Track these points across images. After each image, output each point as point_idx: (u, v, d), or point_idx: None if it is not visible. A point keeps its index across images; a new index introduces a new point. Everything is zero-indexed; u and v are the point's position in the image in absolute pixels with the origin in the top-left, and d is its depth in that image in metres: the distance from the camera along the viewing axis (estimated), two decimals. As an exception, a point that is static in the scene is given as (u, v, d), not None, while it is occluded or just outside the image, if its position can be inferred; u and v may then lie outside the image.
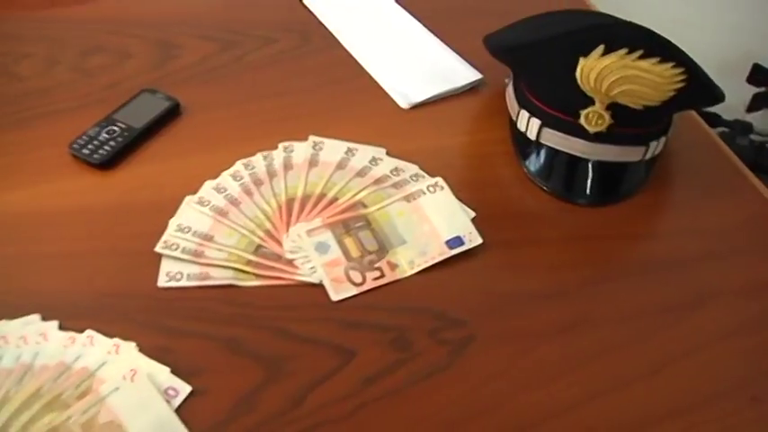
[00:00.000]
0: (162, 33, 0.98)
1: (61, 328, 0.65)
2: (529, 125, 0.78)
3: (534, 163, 0.78)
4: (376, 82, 0.90)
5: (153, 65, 0.92)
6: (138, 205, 0.76)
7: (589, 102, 0.71)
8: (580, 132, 0.74)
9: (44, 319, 0.66)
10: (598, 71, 0.69)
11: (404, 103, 0.87)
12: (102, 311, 0.65)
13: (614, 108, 0.71)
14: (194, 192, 0.75)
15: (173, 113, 0.84)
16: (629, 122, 0.72)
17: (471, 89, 0.89)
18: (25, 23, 0.98)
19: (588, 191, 0.76)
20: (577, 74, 0.70)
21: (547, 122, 0.76)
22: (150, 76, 0.90)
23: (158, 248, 0.69)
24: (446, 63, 0.92)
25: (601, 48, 0.68)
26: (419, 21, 0.99)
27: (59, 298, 0.67)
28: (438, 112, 0.86)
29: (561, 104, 0.74)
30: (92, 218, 0.75)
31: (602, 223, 0.74)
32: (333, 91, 0.88)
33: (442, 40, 0.95)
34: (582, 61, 0.69)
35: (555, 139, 0.77)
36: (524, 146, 0.80)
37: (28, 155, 0.80)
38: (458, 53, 0.93)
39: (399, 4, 1.03)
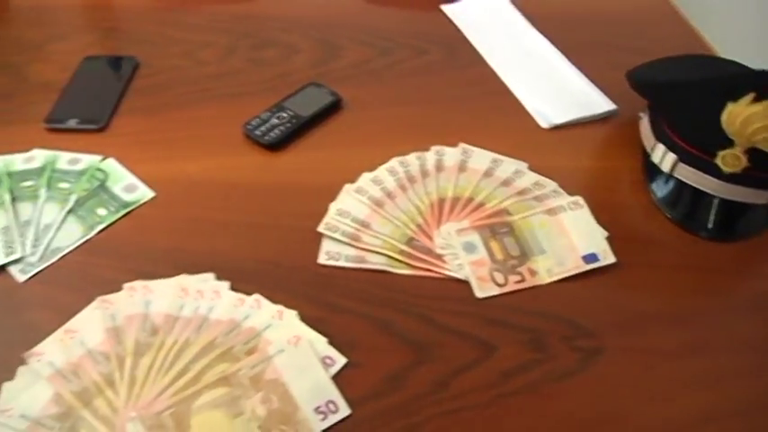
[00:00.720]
0: (325, 34, 1.04)
1: (232, 288, 0.66)
2: (664, 158, 0.79)
3: (662, 191, 0.79)
4: (518, 100, 0.91)
5: (317, 61, 0.95)
6: (301, 186, 0.80)
7: (728, 144, 0.71)
8: (714, 171, 0.74)
9: (217, 278, 0.68)
10: (745, 117, 0.69)
11: (544, 124, 0.88)
12: (267, 279, 0.68)
13: (752, 152, 0.70)
14: (352, 181, 0.77)
15: (335, 107, 0.86)
16: (764, 167, 0.71)
17: (604, 118, 0.89)
18: (209, 17, 1.03)
19: (710, 225, 0.76)
20: (723, 117, 0.71)
21: (683, 158, 0.77)
22: (315, 71, 0.93)
23: (321, 229, 0.71)
24: (584, 91, 0.94)
25: (751, 95, 0.67)
26: (558, 49, 0.99)
27: (230, 261, 0.72)
28: (574, 135, 0.87)
29: (701, 143, 0.75)
30: (260, 193, 0.80)
31: (721, 257, 0.74)
32: (477, 104, 0.91)
33: (579, 69, 0.95)
34: (730, 106, 0.69)
35: (688, 174, 0.77)
36: (655, 175, 0.80)
37: (207, 130, 0.84)
38: (593, 83, 0.92)
39: (540, 31, 1.02)
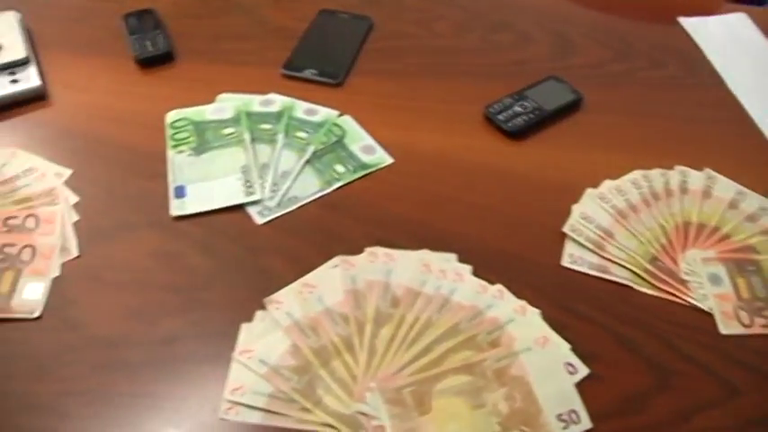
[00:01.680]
0: (559, 26, 1.00)
1: (474, 273, 0.63)
2: None
3: None
4: (761, 132, 0.84)
5: (553, 55, 0.92)
6: (543, 181, 0.77)
7: None
8: None
9: (459, 260, 0.65)
10: None
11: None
12: (509, 270, 0.66)
13: None
14: (594, 185, 0.74)
15: (575, 105, 0.83)
16: None
17: None
18: None
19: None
20: None
21: None
22: (551, 64, 0.90)
23: (566, 229, 0.69)
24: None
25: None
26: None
27: (473, 245, 0.70)
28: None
29: None
30: (503, 180, 0.77)
31: None
32: (719, 129, 0.86)
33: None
34: None
35: None
36: None
37: (441, 105, 0.82)
38: None
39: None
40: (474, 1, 1.00)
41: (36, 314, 0.62)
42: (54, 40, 0.93)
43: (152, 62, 0.87)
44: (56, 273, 0.65)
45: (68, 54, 0.90)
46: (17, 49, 0.85)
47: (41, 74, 0.85)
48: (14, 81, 0.82)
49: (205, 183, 0.71)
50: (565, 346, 0.62)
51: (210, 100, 0.82)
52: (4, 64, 0.84)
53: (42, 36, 0.93)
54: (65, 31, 0.95)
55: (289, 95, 0.82)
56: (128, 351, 0.60)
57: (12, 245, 0.67)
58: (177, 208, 0.69)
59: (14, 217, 0.69)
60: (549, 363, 0.60)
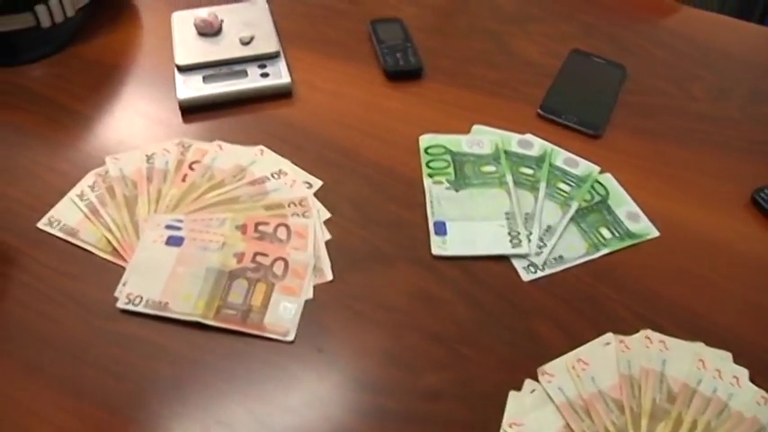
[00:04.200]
0: None
1: (751, 379, 0.58)
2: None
3: None
4: None
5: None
6: None
7: None
8: None
9: (735, 361, 0.61)
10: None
11: None
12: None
13: None
14: None
15: None
16: None
17: None
18: (700, 49, 0.98)
19: None
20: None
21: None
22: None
23: None
24: None
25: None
26: None
27: (749, 346, 0.63)
28: None
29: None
30: None
31: None
32: None
33: None
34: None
35: None
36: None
37: (702, 178, 0.78)
38: None
39: None
40: (730, 63, 0.93)
41: (290, 338, 0.59)
42: (299, 37, 0.91)
43: (401, 76, 0.83)
44: (308, 295, 0.62)
45: (313, 53, 0.87)
46: (269, 42, 0.83)
47: (290, 70, 0.81)
48: (265, 75, 0.80)
49: (466, 223, 0.67)
50: None
51: (463, 128, 0.78)
52: (257, 56, 0.82)
53: (286, 31, 0.91)
54: (309, 29, 0.93)
55: (545, 138, 0.77)
56: (385, 399, 0.57)
57: (264, 254, 0.64)
58: (439, 247, 0.65)
59: (266, 224, 0.66)
60: None
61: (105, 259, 0.65)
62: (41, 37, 0.86)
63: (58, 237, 0.66)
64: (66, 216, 0.68)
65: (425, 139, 0.75)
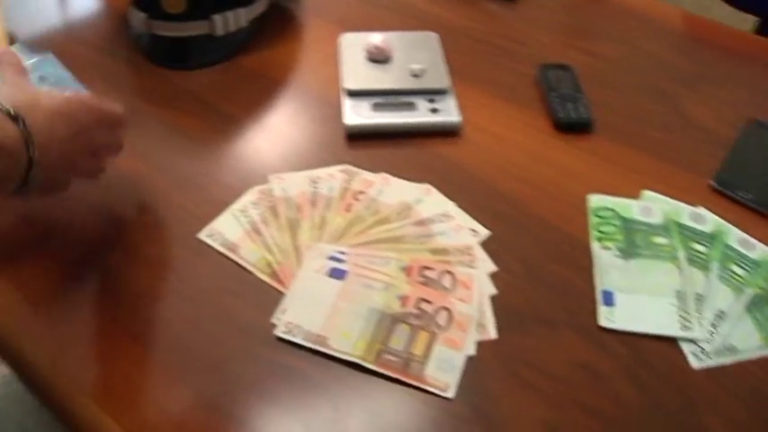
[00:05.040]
0: None
1: None
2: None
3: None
4: None
5: None
6: None
7: None
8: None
9: None
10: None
11: None
12: None
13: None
14: None
15: None
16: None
17: None
18: None
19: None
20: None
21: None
22: None
23: None
24: None
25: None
26: None
27: None
28: None
29: None
30: None
31: None
32: None
33: None
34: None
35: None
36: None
37: None
38: None
39: None
40: None
41: (449, 394, 0.58)
42: (466, 73, 0.91)
43: (570, 128, 0.80)
44: (471, 350, 0.60)
45: (481, 92, 0.86)
46: (440, 77, 0.82)
47: (459, 108, 0.80)
48: (434, 110, 0.79)
49: (635, 296, 0.64)
50: None
51: (632, 191, 0.75)
52: (427, 89, 0.81)
53: (455, 65, 0.89)
54: (478, 66, 0.93)
55: (718, 214, 0.73)
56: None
57: (428, 301, 0.62)
58: (606, 318, 0.62)
59: (431, 269, 0.65)
60: None
61: (263, 280, 0.64)
62: (213, 45, 0.88)
63: (217, 250, 0.66)
64: (227, 230, 0.68)
65: (594, 200, 0.72)
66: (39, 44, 0.89)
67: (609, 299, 0.64)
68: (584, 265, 0.67)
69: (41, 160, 0.57)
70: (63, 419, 0.58)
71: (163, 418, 0.57)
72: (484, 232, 0.69)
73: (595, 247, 0.68)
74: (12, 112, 0.56)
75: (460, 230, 0.68)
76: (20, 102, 0.56)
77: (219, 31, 0.88)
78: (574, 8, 1.04)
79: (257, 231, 0.68)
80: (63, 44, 0.93)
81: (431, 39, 0.88)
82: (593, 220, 0.71)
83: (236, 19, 0.89)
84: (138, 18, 0.88)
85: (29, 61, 0.71)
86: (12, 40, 0.91)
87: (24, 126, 0.56)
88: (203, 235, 0.68)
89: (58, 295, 0.65)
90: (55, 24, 1.00)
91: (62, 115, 0.59)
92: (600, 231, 0.70)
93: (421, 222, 0.69)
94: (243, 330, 0.62)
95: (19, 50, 0.70)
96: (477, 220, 0.70)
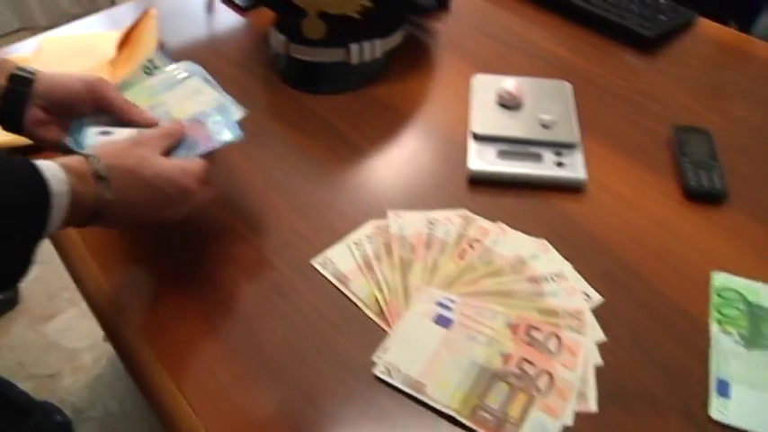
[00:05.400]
0: None
1: None
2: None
3: None
4: None
5: None
6: None
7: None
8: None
9: None
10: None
11: None
12: None
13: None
14: None
15: None
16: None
17: None
18: None
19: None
20: None
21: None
22: None
23: None
24: None
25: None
26: None
27: None
28: None
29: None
30: None
31: None
32: None
33: None
34: None
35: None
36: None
37: None
38: None
39: None
40: None
41: (543, 463, 0.55)
42: (597, 127, 0.89)
43: (702, 197, 0.77)
44: (568, 420, 0.58)
45: (610, 149, 0.84)
46: (570, 130, 0.81)
47: (585, 164, 0.78)
48: (560, 164, 0.77)
49: (755, 392, 0.61)
50: None
51: (764, 275, 0.70)
52: (555, 142, 0.79)
53: (585, 117, 0.88)
54: (609, 122, 0.90)
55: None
56: None
57: (531, 363, 0.61)
58: (719, 411, 0.59)
59: (538, 329, 0.63)
60: None
61: (368, 317, 0.64)
62: (347, 72, 0.89)
63: (328, 279, 0.67)
64: (340, 260, 0.69)
65: (719, 279, 0.69)
66: (184, 53, 0.93)
67: (724, 389, 0.61)
68: (700, 348, 0.64)
69: (106, 216, 0.61)
70: (155, 407, 0.63)
71: (248, 430, 0.58)
72: (597, 298, 0.67)
73: (715, 329, 0.65)
74: (102, 174, 0.60)
75: (573, 293, 0.67)
76: (116, 165, 0.61)
77: (354, 60, 0.90)
78: (716, 64, 1.00)
79: (369, 266, 0.69)
80: (206, 56, 0.99)
81: (564, 88, 0.86)
82: (715, 300, 0.67)
83: (371, 49, 0.90)
84: (277, 40, 0.91)
85: (168, 67, 0.74)
86: (161, 46, 0.96)
87: (107, 185, 0.60)
88: (316, 262, 0.70)
89: (166, 299, 0.69)
90: (201, 37, 1.04)
91: (149, 187, 0.63)
92: (721, 313, 0.66)
93: (533, 279, 0.68)
94: (341, 363, 0.63)
95: (158, 57, 0.74)
96: (592, 285, 0.68)
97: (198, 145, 0.67)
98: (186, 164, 0.64)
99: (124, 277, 0.71)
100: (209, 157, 0.67)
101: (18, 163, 0.54)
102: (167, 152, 0.65)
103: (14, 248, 0.54)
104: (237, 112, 0.70)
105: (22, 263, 0.54)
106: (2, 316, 1.63)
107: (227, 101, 0.71)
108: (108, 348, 1.52)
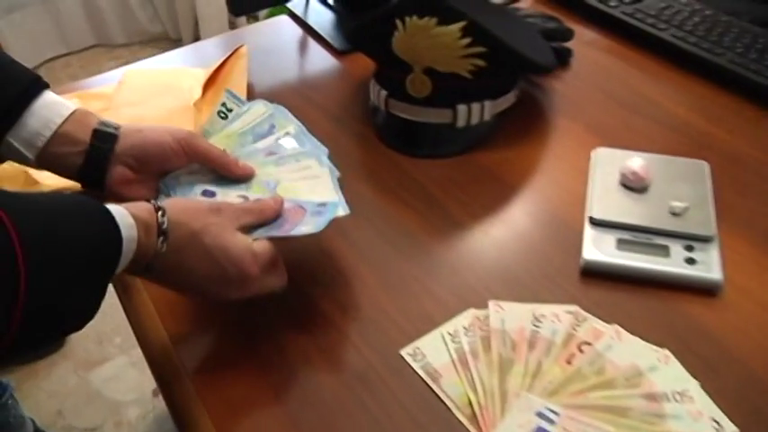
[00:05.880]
0: None
1: None
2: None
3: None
4: None
5: None
6: None
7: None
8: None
9: None
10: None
11: None
12: None
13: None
14: None
15: None
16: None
17: None
18: None
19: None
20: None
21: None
22: None
23: None
24: None
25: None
26: None
27: None
28: None
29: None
30: None
31: None
32: None
33: None
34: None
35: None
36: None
37: None
38: None
39: None
40: None
41: None
42: (738, 218, 0.86)
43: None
44: None
45: (753, 244, 0.82)
46: (705, 221, 0.80)
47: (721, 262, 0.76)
48: (691, 260, 0.76)
49: None
50: None
51: None
52: (686, 234, 0.78)
53: (724, 205, 0.86)
54: (753, 209, 0.88)
55: None
56: None
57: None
58: None
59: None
60: None
61: (459, 420, 0.65)
62: (451, 135, 0.91)
63: (417, 373, 0.68)
64: (433, 353, 0.70)
65: None
66: (270, 97, 0.96)
67: None
68: None
69: (156, 271, 0.64)
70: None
71: None
72: (730, 428, 0.65)
73: None
74: (163, 228, 0.63)
75: (700, 419, 0.66)
76: (181, 223, 0.65)
77: (461, 123, 0.92)
78: None
79: (464, 363, 0.70)
80: (295, 101, 1.02)
81: (700, 169, 0.86)
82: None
83: (480, 111, 0.92)
84: (377, 93, 0.94)
85: (243, 107, 0.79)
86: (249, 90, 1.00)
87: (163, 240, 0.63)
88: (405, 352, 0.71)
89: (232, 366, 0.72)
90: (291, 80, 1.08)
91: (207, 257, 0.66)
92: None
93: (652, 397, 0.67)
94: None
95: (229, 98, 0.78)
96: (724, 411, 0.66)
97: (281, 227, 0.70)
98: (257, 246, 0.67)
99: (187, 332, 0.74)
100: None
101: (91, 204, 0.59)
102: (246, 228, 0.68)
103: (86, 287, 0.57)
104: (343, 212, 0.72)
105: (91, 303, 0.58)
106: (45, 358, 1.68)
107: (341, 196, 0.73)
108: (156, 405, 1.55)
